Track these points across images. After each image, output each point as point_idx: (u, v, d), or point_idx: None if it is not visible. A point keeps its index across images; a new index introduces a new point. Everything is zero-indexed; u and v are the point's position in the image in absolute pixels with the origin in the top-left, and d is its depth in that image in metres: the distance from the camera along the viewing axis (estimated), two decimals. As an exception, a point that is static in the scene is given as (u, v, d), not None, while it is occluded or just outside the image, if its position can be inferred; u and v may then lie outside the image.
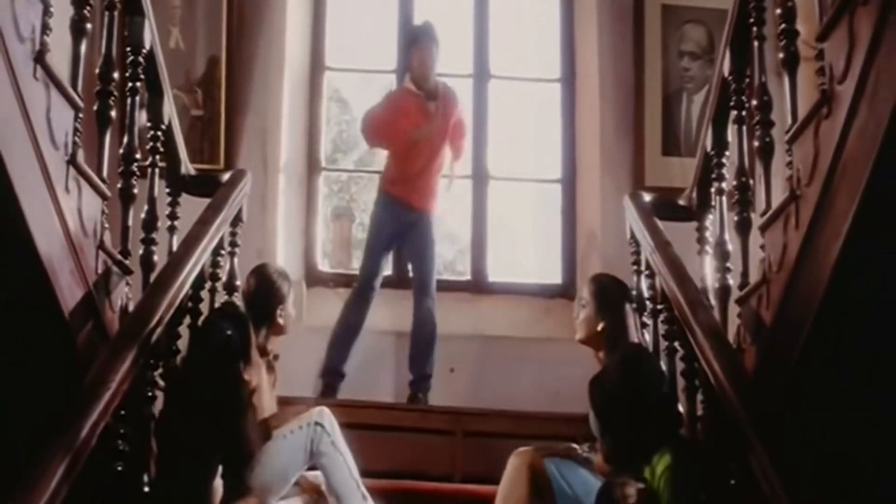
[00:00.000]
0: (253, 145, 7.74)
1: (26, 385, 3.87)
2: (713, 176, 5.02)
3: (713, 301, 4.87)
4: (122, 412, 3.69)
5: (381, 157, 7.83)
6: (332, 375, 7.01)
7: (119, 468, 3.68)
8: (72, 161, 4.03)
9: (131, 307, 4.58)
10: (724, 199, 4.94)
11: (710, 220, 5.16)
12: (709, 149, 5.06)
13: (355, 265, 7.79)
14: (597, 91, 7.95)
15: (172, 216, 5.29)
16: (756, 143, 4.42)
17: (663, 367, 4.74)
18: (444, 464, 6.34)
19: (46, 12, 3.81)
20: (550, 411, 6.48)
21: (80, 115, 4.14)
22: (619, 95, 7.91)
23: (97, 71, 4.45)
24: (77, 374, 3.77)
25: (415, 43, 7.35)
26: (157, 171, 5.09)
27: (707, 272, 5.09)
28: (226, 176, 5.59)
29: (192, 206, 5.38)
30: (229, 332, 4.37)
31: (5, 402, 3.82)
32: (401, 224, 7.25)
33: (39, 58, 3.71)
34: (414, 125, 7.24)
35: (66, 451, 3.18)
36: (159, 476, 3.87)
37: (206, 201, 5.28)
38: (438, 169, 7.35)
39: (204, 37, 7.77)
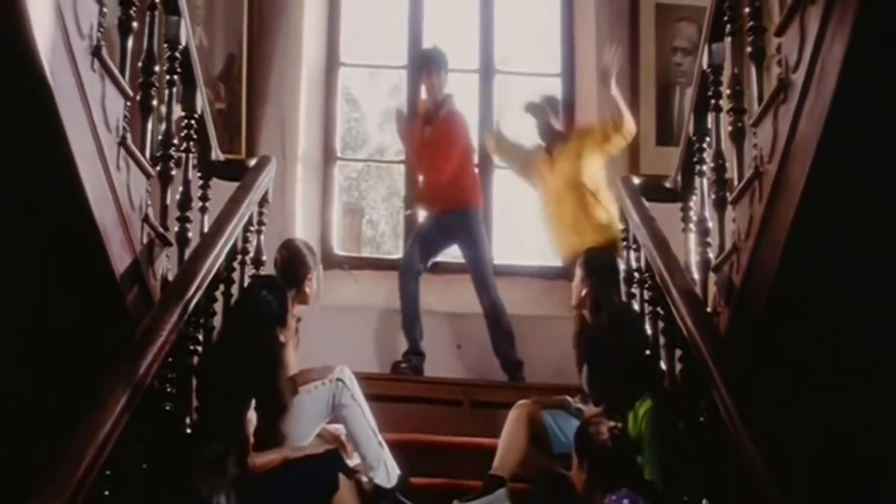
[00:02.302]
0: (272, 136, 8.08)
1: (82, 340, 4.37)
2: (695, 160, 5.48)
3: (696, 273, 5.35)
4: (170, 360, 4.19)
5: (390, 151, 8.21)
6: (415, 356, 7.47)
7: (167, 408, 4.19)
8: (122, 143, 4.51)
9: (170, 278, 5.05)
10: (706, 181, 5.35)
11: (694, 200, 5.59)
12: (691, 135, 5.51)
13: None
14: (595, 85, 8.14)
15: (204, 198, 5.72)
16: (729, 129, 4.91)
17: (648, 330, 5.24)
18: (452, 431, 6.70)
19: (101, 12, 4.30)
20: (551, 383, 6.87)
21: (129, 103, 4.63)
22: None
23: (139, 64, 4.90)
24: (126, 332, 4.24)
25: (423, 69, 7.73)
26: (190, 156, 5.50)
27: (691, 247, 5.56)
28: (253, 161, 6.07)
29: (220, 190, 5.84)
30: (270, 300, 4.90)
31: (65, 354, 4.33)
32: (441, 229, 7.61)
33: (97, 52, 4.20)
34: (412, 150, 7.83)
35: (127, 385, 3.67)
36: (200, 411, 4.36)
37: (234, 185, 5.72)
38: (455, 171, 7.60)
39: (223, 35, 8.14)
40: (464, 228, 7.57)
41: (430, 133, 7.64)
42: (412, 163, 7.84)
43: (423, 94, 7.76)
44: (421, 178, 7.78)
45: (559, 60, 8.67)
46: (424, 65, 7.74)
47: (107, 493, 3.51)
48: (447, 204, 7.54)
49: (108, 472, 3.49)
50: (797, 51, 3.98)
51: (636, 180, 6.10)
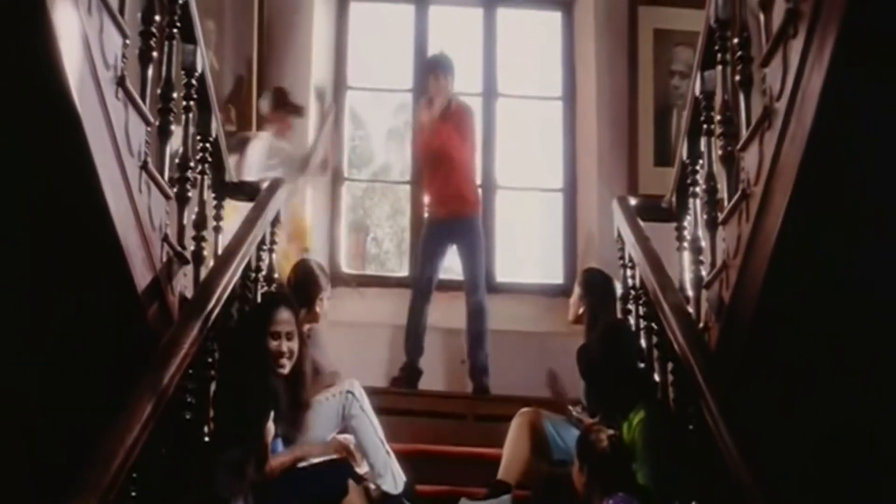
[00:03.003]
0: None
1: (105, 351, 4.61)
2: (688, 182, 5.70)
3: (690, 289, 5.56)
4: (190, 371, 4.43)
5: (395, 169, 8.40)
6: (411, 371, 7.73)
7: (188, 417, 4.43)
8: (144, 167, 4.74)
9: (187, 294, 5.27)
10: (699, 202, 5.57)
11: (688, 220, 5.79)
12: (685, 158, 5.74)
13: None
14: (595, 108, 8.55)
15: (218, 218, 5.90)
16: (720, 153, 5.14)
17: (643, 344, 5.48)
18: (456, 442, 6.87)
19: (125, 44, 4.54)
20: (550, 397, 7.06)
21: (150, 129, 4.87)
22: (615, 112, 8.50)
23: (158, 90, 5.11)
24: (146, 344, 4.49)
25: (430, 72, 7.98)
26: (205, 178, 5.70)
27: (685, 265, 5.78)
28: (265, 183, 6.30)
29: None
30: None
31: (90, 364, 4.58)
32: (445, 234, 7.85)
33: (121, 81, 4.43)
34: (424, 149, 8.01)
35: (153, 394, 3.93)
36: (223, 419, 4.59)
37: (247, 206, 5.96)
38: (465, 177, 7.91)
39: (233, 57, 8.39)
40: (467, 233, 7.83)
41: (446, 128, 7.85)
42: (422, 165, 8.11)
43: (432, 97, 7.93)
44: (427, 183, 8.07)
45: (560, 84, 8.93)
46: (432, 68, 7.98)
47: (134, 493, 3.75)
48: (454, 209, 7.78)
49: (134, 475, 3.74)
50: (780, 81, 4.21)
51: (632, 201, 6.32)
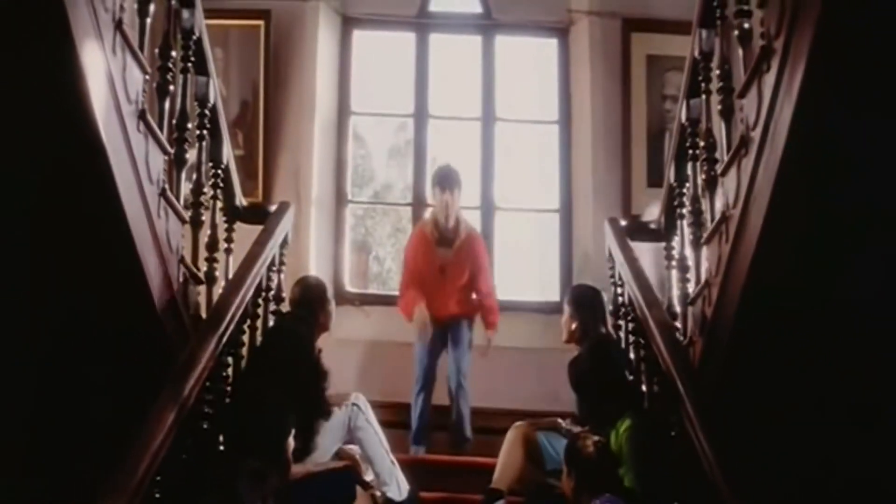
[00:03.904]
0: (288, 181, 8.57)
1: (127, 366, 4.91)
2: (676, 204, 5.99)
3: (678, 305, 5.85)
4: (207, 384, 4.73)
5: (397, 187, 8.57)
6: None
7: (205, 426, 4.72)
8: (162, 194, 5.04)
9: (200, 312, 5.57)
10: (686, 222, 5.82)
11: (676, 240, 6.06)
12: (672, 181, 6.04)
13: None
14: (590, 131, 8.78)
15: (229, 240, 6.18)
16: (703, 177, 5.43)
17: (631, 356, 5.76)
18: (457, 454, 7.25)
19: (145, 80, 4.83)
20: (549, 410, 7.21)
21: (167, 158, 5.17)
22: (610, 135, 8.72)
23: (174, 121, 5.35)
24: (164, 359, 4.81)
25: (439, 185, 7.69)
26: (217, 202, 6.01)
27: (673, 283, 6.05)
28: (273, 206, 6.57)
29: (243, 233, 6.32)
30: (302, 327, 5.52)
31: (113, 378, 4.88)
32: (442, 333, 7.76)
33: (142, 115, 4.74)
34: (425, 268, 7.77)
35: (175, 404, 4.24)
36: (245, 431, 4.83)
37: (256, 229, 6.21)
38: (466, 297, 7.82)
39: (238, 83, 8.64)
40: (459, 333, 7.78)
41: (450, 255, 7.75)
42: (415, 282, 7.85)
43: (440, 210, 7.76)
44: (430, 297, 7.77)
45: (556, 108, 9.14)
46: (440, 181, 7.75)
47: (157, 496, 4.05)
48: (452, 318, 7.79)
49: (158, 478, 4.03)
50: (755, 111, 4.50)
51: (623, 222, 6.61)
